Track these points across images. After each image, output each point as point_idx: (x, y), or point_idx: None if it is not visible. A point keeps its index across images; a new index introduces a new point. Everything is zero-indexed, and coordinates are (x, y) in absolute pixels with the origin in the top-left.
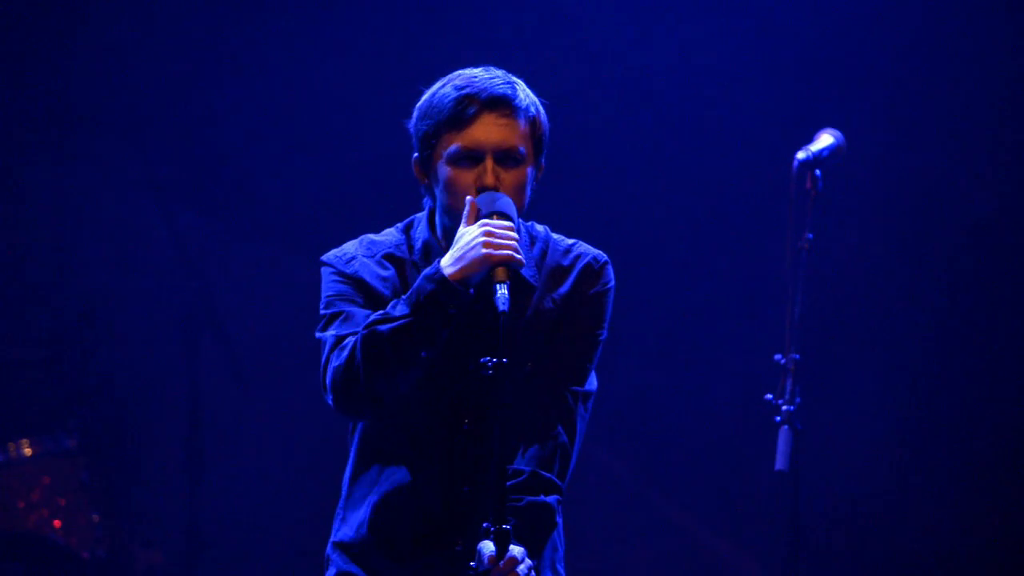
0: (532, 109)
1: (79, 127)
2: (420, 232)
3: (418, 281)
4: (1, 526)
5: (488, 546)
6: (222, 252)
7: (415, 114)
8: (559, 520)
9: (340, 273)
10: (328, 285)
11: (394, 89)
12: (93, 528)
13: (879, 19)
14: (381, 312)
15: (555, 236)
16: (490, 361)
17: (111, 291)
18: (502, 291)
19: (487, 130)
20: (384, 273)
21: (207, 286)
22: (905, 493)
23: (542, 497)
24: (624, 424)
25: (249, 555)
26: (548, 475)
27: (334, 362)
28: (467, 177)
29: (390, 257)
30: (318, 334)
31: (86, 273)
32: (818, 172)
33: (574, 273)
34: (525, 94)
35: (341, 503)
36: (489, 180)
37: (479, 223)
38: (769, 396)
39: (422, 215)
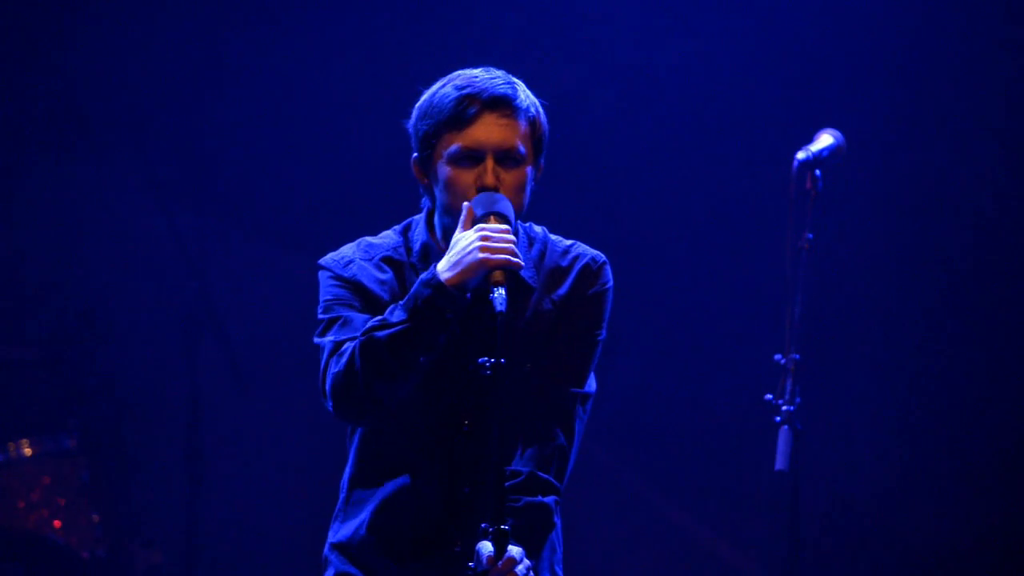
0: (532, 110)
1: (79, 127)
2: (418, 234)
3: (415, 287)
4: (1, 526)
5: (487, 546)
6: (222, 252)
7: (415, 114)
8: (557, 521)
9: (338, 277)
10: (326, 289)
11: (394, 89)
12: (93, 528)
13: (879, 19)
14: (379, 318)
15: (553, 237)
16: (488, 362)
17: (111, 291)
18: (499, 292)
19: (488, 130)
20: (382, 276)
21: (207, 286)
22: (905, 493)
23: (540, 498)
24: (624, 424)
25: (249, 555)
26: (546, 476)
27: (333, 368)
28: (467, 177)
29: (388, 260)
30: (316, 339)
31: (86, 273)
32: (818, 172)
33: (572, 274)
34: (525, 95)
35: (340, 504)
36: (489, 180)
37: (476, 227)
38: (769, 396)
39: (420, 217)
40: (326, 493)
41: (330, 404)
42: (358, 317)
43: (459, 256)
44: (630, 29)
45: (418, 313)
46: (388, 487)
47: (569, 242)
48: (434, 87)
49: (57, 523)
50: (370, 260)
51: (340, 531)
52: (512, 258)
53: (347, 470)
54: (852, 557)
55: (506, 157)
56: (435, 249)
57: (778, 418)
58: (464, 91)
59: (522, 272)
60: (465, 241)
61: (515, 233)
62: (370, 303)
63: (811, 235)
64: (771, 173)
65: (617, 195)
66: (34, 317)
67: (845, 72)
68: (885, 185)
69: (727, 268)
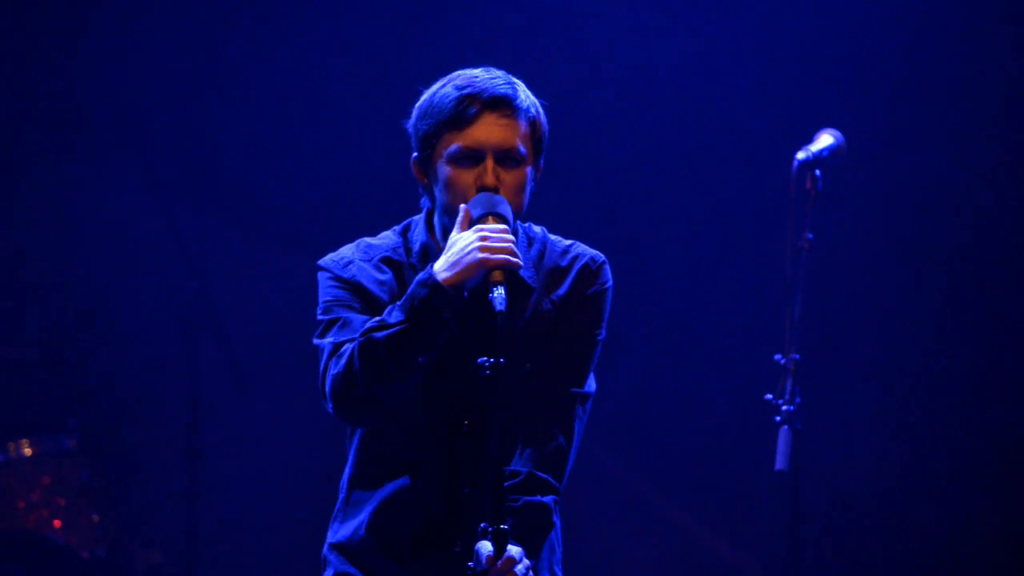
0: (532, 110)
1: (79, 127)
2: (418, 235)
3: (411, 287)
4: (1, 526)
5: (486, 546)
6: (222, 252)
7: (415, 114)
8: (556, 520)
9: (337, 278)
10: (325, 290)
11: (394, 89)
12: (93, 528)
13: (879, 19)
14: (377, 319)
15: (552, 237)
16: (488, 362)
17: (111, 291)
18: (499, 292)
19: (488, 130)
20: (382, 277)
21: (207, 286)
22: (905, 493)
23: (539, 497)
24: (624, 424)
25: (249, 555)
26: (545, 476)
27: (332, 370)
28: (467, 177)
29: (387, 261)
30: (316, 340)
31: (86, 273)
32: (818, 172)
33: (572, 274)
34: (526, 95)
35: (339, 504)
36: (489, 180)
37: (474, 228)
38: (769, 396)
39: (419, 217)
40: (326, 493)
41: (330, 406)
42: (357, 318)
43: (458, 256)
44: (630, 29)
45: (416, 313)
46: (388, 487)
47: (568, 242)
48: (434, 87)
49: (57, 523)
50: (369, 261)
51: (339, 531)
52: (511, 258)
53: (346, 470)
54: (852, 557)
55: (506, 157)
56: (435, 249)
57: (778, 418)
58: (464, 91)
59: (521, 272)
60: (464, 241)
61: (514, 233)
62: (369, 304)
63: (811, 235)
64: (771, 173)
65: (617, 195)
66: (34, 317)
67: (845, 72)
68: (885, 185)
69: (727, 268)
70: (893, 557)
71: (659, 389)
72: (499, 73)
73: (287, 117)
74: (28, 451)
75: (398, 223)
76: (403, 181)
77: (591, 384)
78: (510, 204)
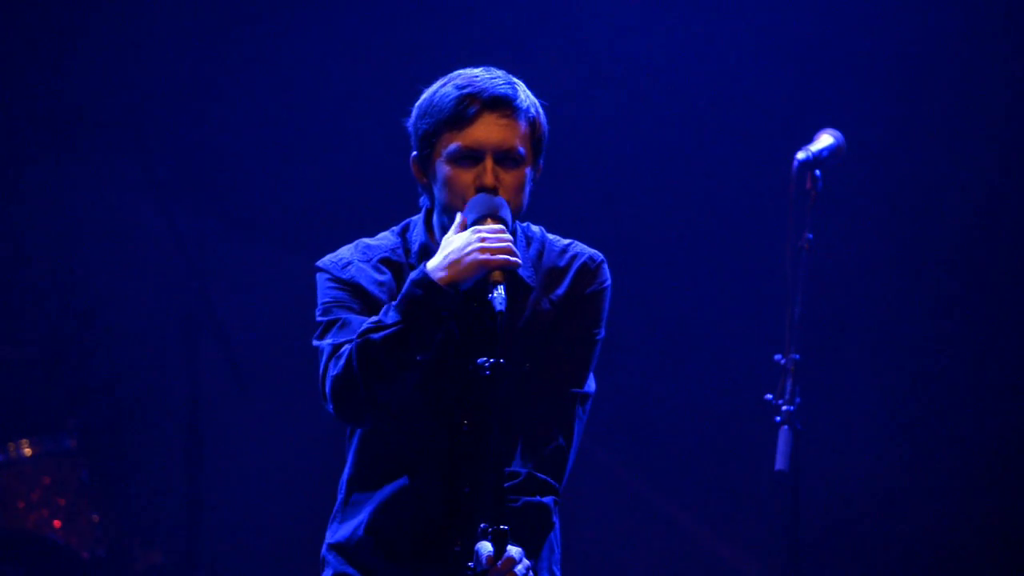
0: (532, 110)
1: (79, 127)
2: (416, 235)
3: (406, 286)
4: (1, 526)
5: (486, 547)
6: (222, 252)
7: (414, 112)
8: (556, 521)
9: (336, 279)
10: (324, 291)
11: (394, 89)
12: (93, 528)
13: (879, 19)
14: (374, 319)
15: (551, 236)
16: (488, 362)
17: (111, 291)
18: (499, 292)
19: (488, 130)
20: (380, 278)
21: (207, 286)
22: (905, 493)
23: (538, 498)
24: (624, 424)
25: (248, 555)
26: (544, 476)
27: (332, 371)
28: (467, 176)
29: (386, 261)
30: (315, 342)
31: (86, 273)
32: (818, 172)
33: (570, 273)
34: (526, 95)
35: (338, 505)
36: (489, 180)
37: (472, 228)
38: (769, 396)
39: (418, 218)
40: (326, 493)
41: (331, 406)
42: (356, 319)
43: (456, 255)
44: (630, 29)
45: (411, 313)
46: (387, 488)
47: (567, 241)
48: (434, 86)
49: (57, 523)
50: (368, 262)
51: (338, 531)
52: (511, 257)
53: (345, 471)
54: (852, 557)
55: (505, 157)
56: (433, 249)
57: (778, 418)
58: (464, 90)
59: (520, 271)
60: (461, 240)
61: (512, 233)
62: (369, 305)
63: (811, 235)
64: (771, 173)
65: (617, 195)
66: (34, 317)
67: (845, 72)
68: (885, 185)
69: (727, 268)
70: (893, 557)
71: (659, 389)
72: (499, 73)
73: (287, 117)
74: (28, 451)
75: (397, 223)
76: (403, 181)
77: (591, 384)
78: (509, 204)
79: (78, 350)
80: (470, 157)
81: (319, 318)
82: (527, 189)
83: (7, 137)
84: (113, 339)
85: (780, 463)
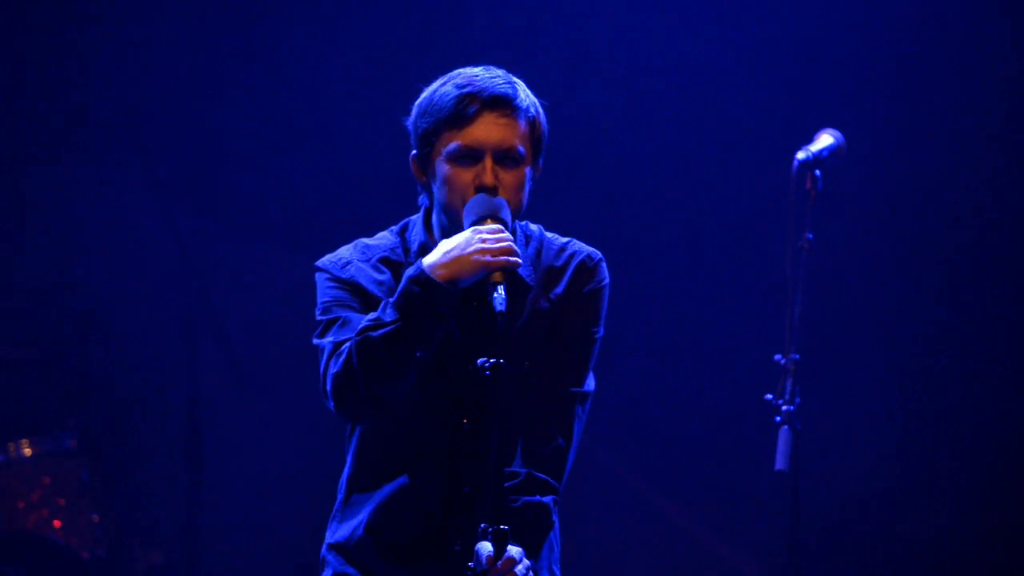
0: (532, 110)
1: (80, 128)
2: (416, 234)
3: (402, 284)
4: (1, 526)
5: (486, 546)
6: (222, 252)
7: (414, 111)
8: (556, 520)
9: (336, 279)
10: (324, 291)
11: (394, 89)
12: (93, 528)
13: (878, 19)
14: (372, 317)
15: (549, 235)
16: (487, 362)
17: (111, 291)
18: (499, 292)
19: (487, 129)
20: (380, 277)
21: (207, 286)
22: (905, 493)
23: (538, 497)
24: (624, 424)
25: (248, 555)
26: (544, 476)
27: (333, 369)
28: (466, 176)
29: (386, 261)
30: (316, 340)
31: (86, 273)
32: (818, 172)
33: (568, 272)
34: (525, 94)
35: (337, 505)
36: (488, 179)
37: (472, 228)
38: (769, 396)
39: (417, 217)
40: (325, 493)
41: (332, 404)
42: (356, 317)
43: (456, 254)
44: (630, 29)
45: (409, 311)
46: (387, 487)
47: (565, 239)
48: (434, 85)
49: (57, 523)
50: (367, 261)
51: (338, 531)
52: (511, 257)
53: (345, 471)
54: (852, 557)
55: (505, 157)
56: (433, 249)
57: (778, 418)
58: (464, 90)
59: (520, 270)
60: (460, 239)
61: (512, 232)
62: (368, 304)
63: (811, 235)
64: (771, 173)
65: (616, 195)
66: (34, 317)
67: (845, 72)
68: (885, 185)
69: (727, 268)
70: (893, 557)
71: (659, 389)
72: (499, 72)
73: (287, 117)
74: (28, 451)
75: (397, 223)
76: (402, 180)
77: (590, 383)
78: (509, 203)
79: (78, 350)
80: (470, 156)
81: (319, 317)
82: (527, 188)
83: (8, 137)
84: (113, 339)
85: (780, 463)
